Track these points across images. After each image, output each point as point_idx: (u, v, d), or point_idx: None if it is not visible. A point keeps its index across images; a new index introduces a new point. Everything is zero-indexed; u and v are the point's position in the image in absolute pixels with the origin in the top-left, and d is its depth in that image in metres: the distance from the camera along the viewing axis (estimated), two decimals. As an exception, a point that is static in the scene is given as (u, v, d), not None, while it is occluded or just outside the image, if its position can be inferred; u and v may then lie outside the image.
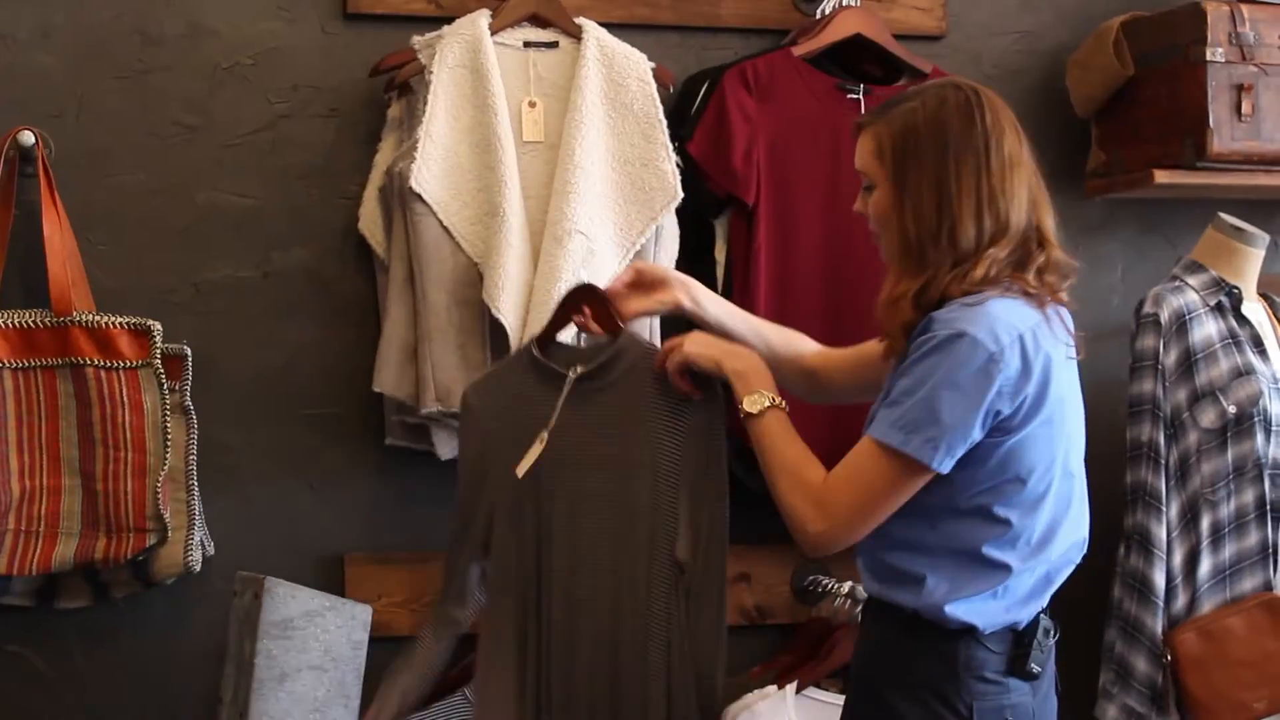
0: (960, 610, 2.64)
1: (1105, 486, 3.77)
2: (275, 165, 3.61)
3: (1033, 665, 2.69)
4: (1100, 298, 4.02)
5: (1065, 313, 2.71)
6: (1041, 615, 2.72)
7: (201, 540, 3.45)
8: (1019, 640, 2.69)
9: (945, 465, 2.57)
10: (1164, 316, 3.61)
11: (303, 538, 3.62)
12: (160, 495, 3.34)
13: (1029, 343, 2.59)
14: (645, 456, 2.99)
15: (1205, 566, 3.61)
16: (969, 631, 2.64)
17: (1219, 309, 3.66)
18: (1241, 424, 3.60)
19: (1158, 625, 3.58)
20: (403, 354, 3.45)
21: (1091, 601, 3.78)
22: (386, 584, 3.62)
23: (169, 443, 3.37)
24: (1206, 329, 3.63)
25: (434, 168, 3.41)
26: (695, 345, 2.89)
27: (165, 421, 3.36)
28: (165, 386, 3.37)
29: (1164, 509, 3.59)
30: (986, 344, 2.55)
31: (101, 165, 3.53)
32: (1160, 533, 3.58)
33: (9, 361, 3.33)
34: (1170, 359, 3.61)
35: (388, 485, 3.65)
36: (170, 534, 3.36)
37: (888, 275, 2.72)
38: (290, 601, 3.32)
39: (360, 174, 3.60)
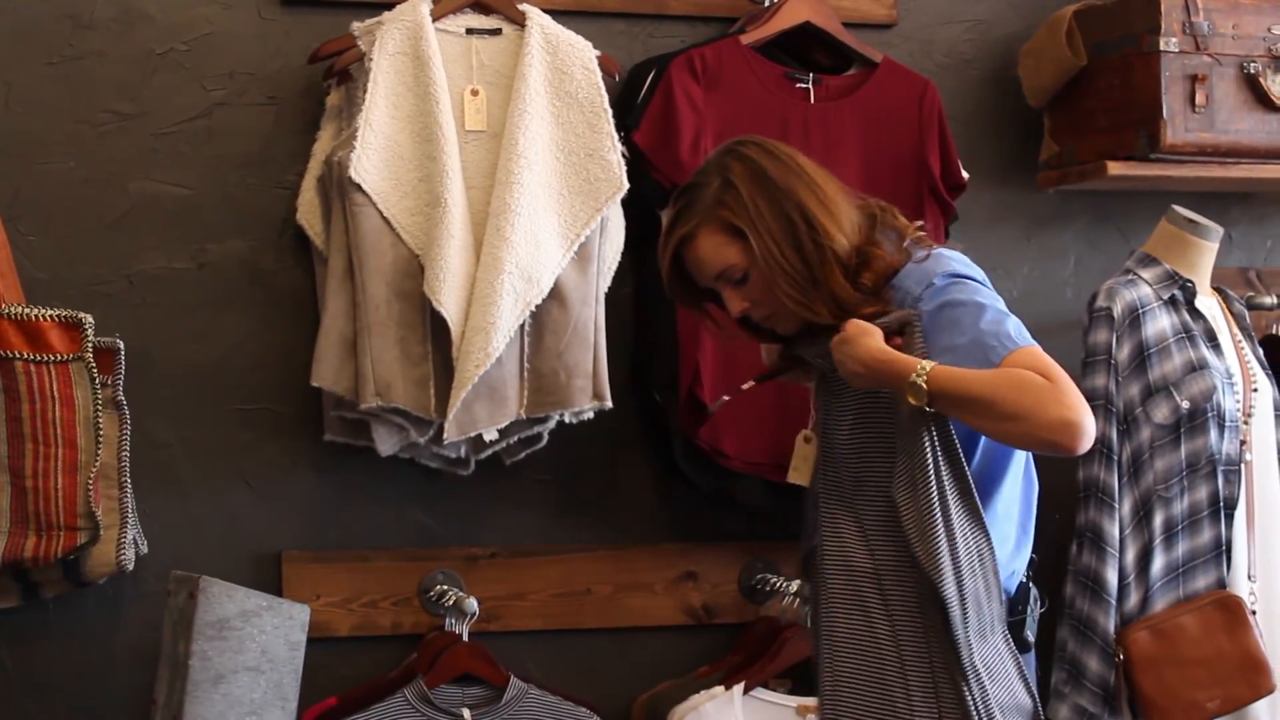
0: None
1: (1057, 483, 3.75)
2: (211, 154, 3.54)
3: (1028, 634, 2.77)
4: (1053, 290, 4.00)
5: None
6: (1028, 584, 2.79)
7: (135, 538, 3.38)
8: (1012, 608, 2.75)
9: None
10: (1117, 310, 3.57)
11: (239, 536, 3.56)
12: (92, 492, 3.27)
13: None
14: None
15: (1158, 564, 3.58)
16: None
17: (1172, 303, 3.63)
18: (1195, 420, 3.57)
19: (1110, 624, 3.55)
20: (341, 347, 3.39)
21: (1044, 601, 3.75)
22: (325, 583, 3.56)
23: (101, 438, 3.30)
24: (1160, 323, 3.60)
25: (374, 157, 3.35)
26: (844, 347, 2.71)
27: (97, 417, 3.30)
28: (97, 381, 3.30)
29: (1116, 506, 3.56)
30: (973, 274, 2.72)
31: (31, 153, 3.45)
32: (1113, 530, 3.55)
33: (-65, 355, 3.26)
34: (1123, 354, 3.58)
35: (326, 482, 3.59)
36: (102, 532, 3.29)
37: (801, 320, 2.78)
38: (226, 601, 3.26)
39: (298, 163, 3.53)
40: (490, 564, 3.64)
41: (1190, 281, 3.65)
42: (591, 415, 3.51)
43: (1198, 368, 3.58)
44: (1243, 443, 3.65)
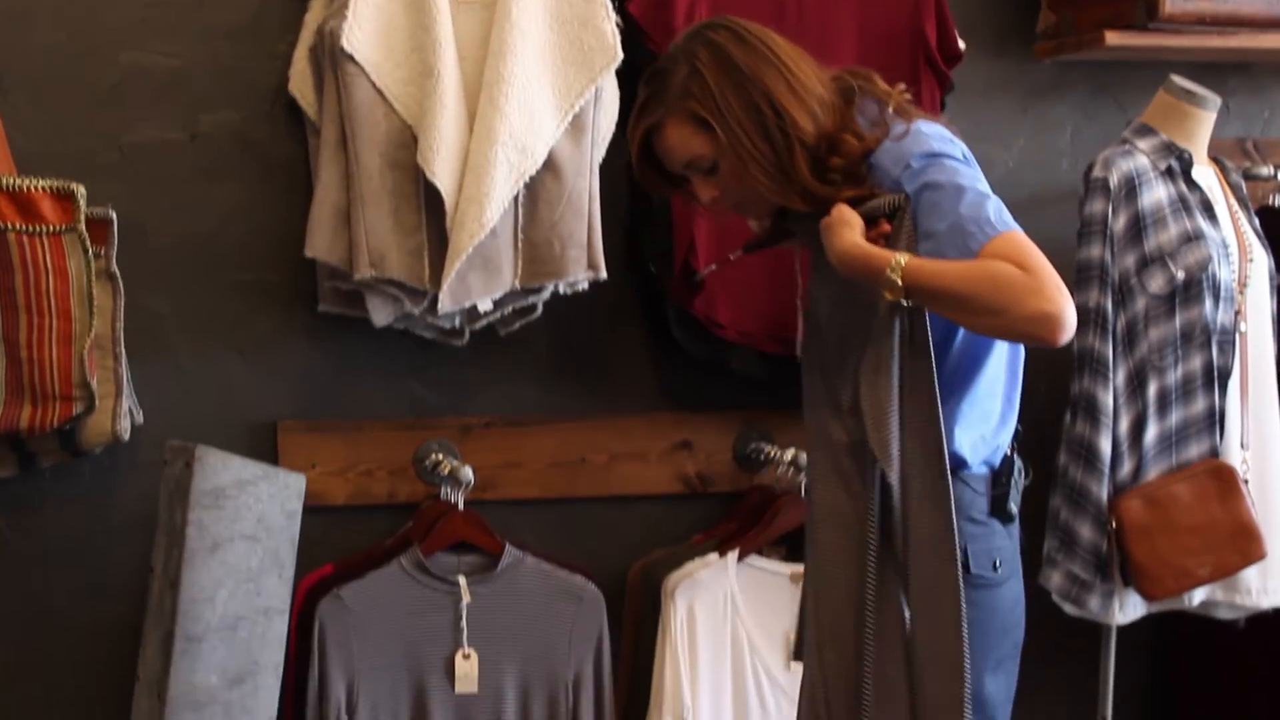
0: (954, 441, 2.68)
1: (1052, 354, 3.75)
2: (201, 23, 3.50)
3: (1011, 506, 2.76)
4: (1049, 161, 3.98)
5: None
6: (1012, 456, 2.78)
7: (130, 409, 3.39)
8: (996, 480, 2.75)
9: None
10: (1113, 181, 3.56)
11: (234, 406, 3.56)
12: (87, 363, 3.28)
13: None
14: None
15: (1151, 433, 3.59)
16: (956, 470, 2.68)
17: (1169, 173, 3.62)
18: (1190, 290, 3.57)
19: (1103, 492, 3.56)
20: (335, 218, 3.38)
21: (1036, 469, 3.75)
22: (320, 452, 3.57)
23: (95, 309, 3.29)
24: (1156, 193, 3.58)
25: (366, 27, 3.32)
26: (829, 232, 2.68)
27: (90, 288, 3.29)
28: (90, 252, 3.29)
29: (1111, 375, 3.56)
30: (953, 151, 2.66)
31: (21, 25, 3.42)
32: (1107, 399, 3.56)
33: (-72, 226, 3.25)
34: (1119, 224, 3.56)
35: (321, 352, 3.59)
36: (98, 402, 3.30)
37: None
38: (222, 470, 3.27)
39: (290, 33, 3.50)
40: (485, 434, 3.65)
41: (1187, 152, 3.63)
42: (586, 286, 3.50)
43: (1194, 238, 3.57)
44: (1237, 313, 3.65)
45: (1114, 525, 3.56)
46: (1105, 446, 3.56)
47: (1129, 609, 3.64)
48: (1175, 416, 3.61)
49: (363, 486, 3.59)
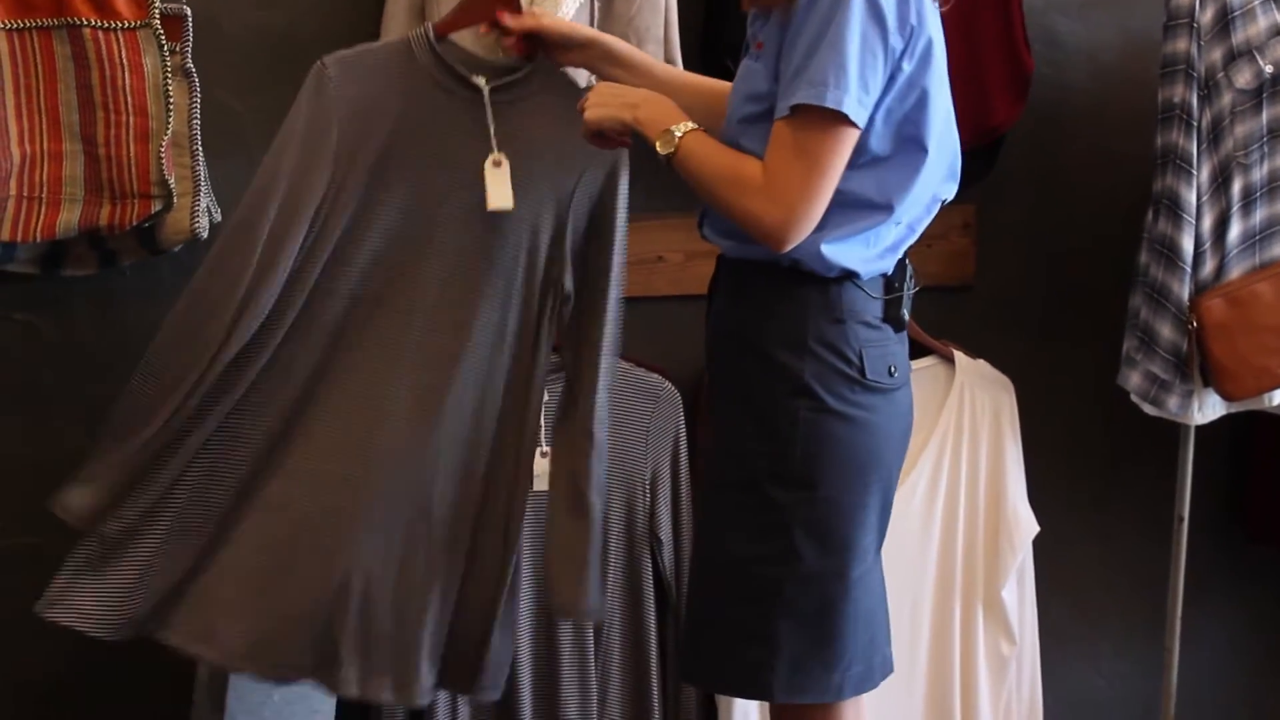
0: (839, 254, 2.65)
1: (1134, 150, 3.73)
2: None
3: (904, 311, 2.75)
4: (1135, -47, 3.89)
5: None
6: (904, 262, 2.76)
7: (208, 206, 3.39)
8: (889, 286, 2.73)
9: (862, 117, 2.55)
10: (1201, -28, 3.49)
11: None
12: (164, 160, 3.27)
13: None
14: (550, 182, 3.01)
15: (1235, 232, 3.55)
16: (849, 277, 2.68)
17: (1259, -37, 3.53)
18: (1278, 84, 3.49)
19: (1184, 291, 3.53)
20: (409, 13, 3.34)
21: (1118, 266, 3.73)
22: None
23: (171, 106, 3.28)
24: (1245, -15, 3.51)
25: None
26: (595, 110, 2.78)
27: (166, 84, 3.27)
28: (165, 48, 3.27)
29: (1194, 172, 3.51)
30: None
31: None
32: (1190, 197, 3.51)
33: (3, 23, 3.23)
34: (1206, 16, 3.49)
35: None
36: (176, 200, 3.30)
37: None
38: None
39: None
40: (562, 232, 3.63)
41: (1278, -58, 3.55)
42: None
43: (1283, 31, 3.51)
44: (1326, 108, 3.58)
45: (1194, 324, 3.53)
46: (1188, 245, 3.52)
47: (1208, 409, 3.62)
48: (1259, 215, 3.56)
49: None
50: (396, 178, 2.96)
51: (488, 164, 2.96)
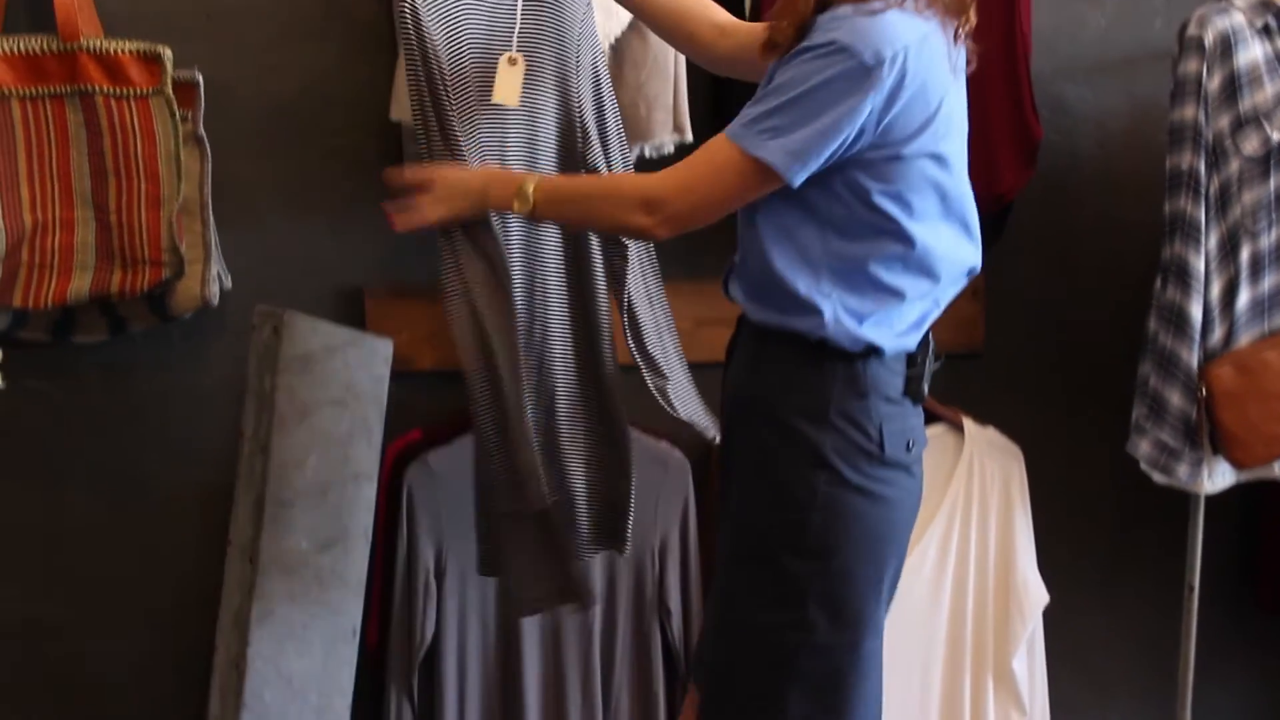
0: (867, 333, 2.66)
1: (1143, 216, 3.73)
2: (286, -116, 3.48)
3: (924, 386, 2.76)
4: (1142, 20, 3.90)
5: (961, 26, 2.69)
6: (927, 339, 2.77)
7: (219, 273, 3.40)
8: (911, 361, 2.73)
9: (798, 177, 2.58)
10: (1208, 39, 3.49)
11: (321, 272, 3.57)
12: (175, 227, 3.28)
13: (912, 60, 2.56)
14: (555, 64, 3.13)
15: (1243, 299, 3.54)
16: (874, 352, 2.68)
17: (1266, 31, 3.54)
18: (1285, 152, 3.51)
19: (1193, 359, 3.52)
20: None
21: (1127, 333, 3.73)
22: (407, 319, 3.57)
23: (182, 173, 3.30)
24: (1252, 52, 3.51)
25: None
26: (438, 206, 2.89)
27: (178, 151, 3.29)
28: (177, 115, 3.29)
29: (1203, 239, 3.51)
30: (865, 59, 2.53)
31: (106, -115, 3.40)
32: (1198, 264, 3.51)
33: (16, 90, 3.25)
34: (1214, 83, 3.50)
35: (407, 217, 3.57)
36: (187, 267, 3.31)
37: None
38: (310, 335, 3.28)
39: (374, -106, 3.47)
40: (571, 300, 3.64)
41: (1284, 10, 3.57)
42: (672, 149, 3.48)
43: (1290, 99, 3.52)
44: (1333, 176, 3.59)
45: (1204, 392, 3.53)
46: (1196, 312, 3.52)
47: (1218, 477, 3.61)
48: (1268, 282, 3.56)
49: (450, 352, 3.55)
50: (475, 80, 3.07)
51: (503, 60, 3.05)
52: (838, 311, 2.64)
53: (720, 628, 2.83)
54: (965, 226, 2.74)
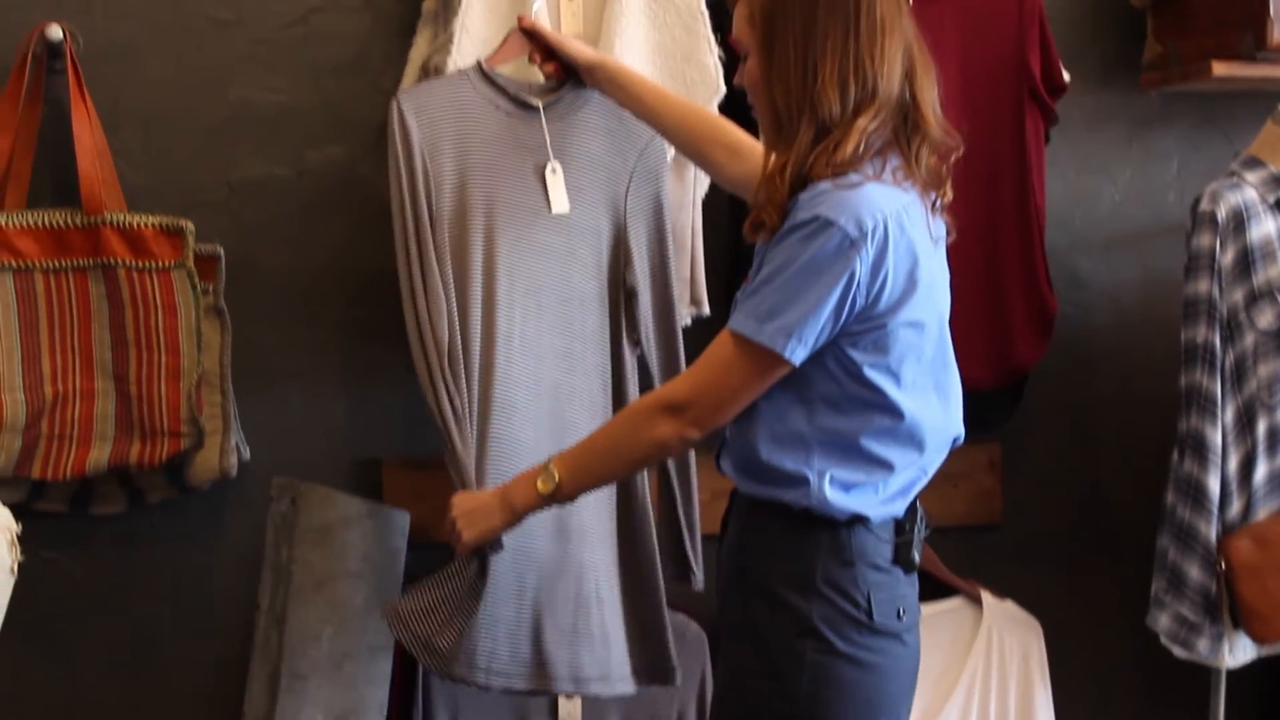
0: (852, 502, 2.65)
1: (1159, 389, 3.74)
2: (308, 60, 3.53)
3: (915, 554, 2.74)
4: (1155, 194, 3.94)
5: (940, 197, 2.70)
6: (916, 505, 2.76)
7: (238, 445, 3.41)
8: (900, 529, 2.72)
9: (798, 355, 2.59)
10: (1221, 214, 3.51)
11: (340, 443, 3.58)
12: (195, 398, 3.29)
13: (894, 230, 2.58)
14: (604, 190, 3.23)
15: (1261, 472, 3.54)
16: (860, 521, 2.67)
17: (1277, 206, 3.56)
18: (1301, 326, 3.52)
19: (1211, 532, 3.51)
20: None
21: (1145, 505, 3.72)
22: (424, 489, 3.56)
23: (203, 345, 3.32)
24: (1265, 227, 3.53)
25: (470, 62, 3.32)
26: (472, 529, 2.94)
27: (199, 323, 3.31)
28: (199, 288, 3.32)
29: (1219, 413, 3.51)
30: (849, 231, 2.55)
31: (131, 60, 3.46)
32: (1215, 437, 3.51)
33: (40, 263, 3.27)
34: (1227, 258, 3.52)
35: (425, 389, 3.58)
36: (205, 438, 3.32)
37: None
38: (327, 507, 3.28)
39: (395, 68, 3.51)
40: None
41: (1297, 185, 3.59)
42: (689, 321, 3.48)
43: (1304, 273, 3.53)
44: (1349, 349, 3.60)
45: (1223, 566, 3.51)
46: (1214, 485, 3.51)
47: (1239, 652, 3.58)
48: (1286, 455, 3.56)
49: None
50: (476, 192, 3.14)
51: (547, 171, 3.18)
52: (824, 482, 2.64)
53: None
54: (944, 396, 2.74)
